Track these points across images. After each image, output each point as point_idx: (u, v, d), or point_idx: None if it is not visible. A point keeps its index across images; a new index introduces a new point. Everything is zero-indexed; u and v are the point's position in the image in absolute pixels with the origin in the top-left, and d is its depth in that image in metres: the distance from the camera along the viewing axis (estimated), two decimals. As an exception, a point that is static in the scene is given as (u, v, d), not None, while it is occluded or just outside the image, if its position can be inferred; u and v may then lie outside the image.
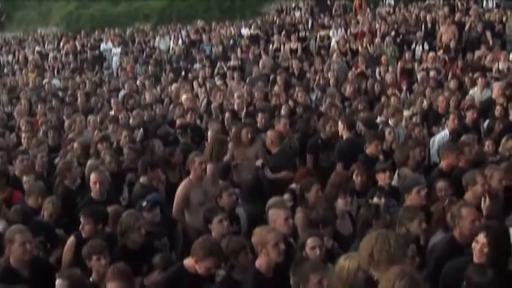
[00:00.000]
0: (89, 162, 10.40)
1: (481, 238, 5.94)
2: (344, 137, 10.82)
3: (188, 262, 6.41)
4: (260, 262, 6.26)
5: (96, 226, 7.42)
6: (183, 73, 21.89)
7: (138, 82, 19.76)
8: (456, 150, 9.36)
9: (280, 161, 10.44)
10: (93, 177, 8.77)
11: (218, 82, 18.77)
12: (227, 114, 13.31)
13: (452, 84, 15.90)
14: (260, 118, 12.37)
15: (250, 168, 10.33)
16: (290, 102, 14.64)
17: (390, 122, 12.28)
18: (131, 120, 13.80)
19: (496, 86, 14.55)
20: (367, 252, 5.54)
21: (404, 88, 16.96)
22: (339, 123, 11.01)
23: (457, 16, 22.98)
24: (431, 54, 19.32)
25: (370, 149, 10.04)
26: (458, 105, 13.51)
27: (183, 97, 15.17)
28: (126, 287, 5.78)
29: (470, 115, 12.33)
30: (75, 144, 11.32)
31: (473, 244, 5.97)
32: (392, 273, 4.78)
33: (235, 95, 15.01)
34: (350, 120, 11.30)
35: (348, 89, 15.91)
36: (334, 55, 20.69)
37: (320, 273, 5.60)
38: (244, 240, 6.75)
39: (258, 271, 6.24)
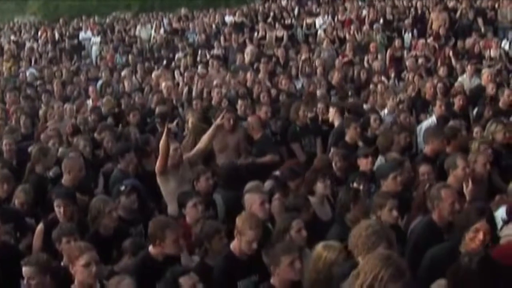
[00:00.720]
0: (60, 149, 10.44)
1: (483, 225, 5.90)
2: (336, 123, 10.90)
3: (152, 248, 6.48)
4: (235, 245, 6.33)
5: (67, 208, 7.45)
6: (164, 62, 21.90)
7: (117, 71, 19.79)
8: (441, 135, 9.47)
9: (263, 147, 10.60)
10: (64, 163, 8.82)
11: (200, 70, 18.80)
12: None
13: (442, 71, 16.05)
14: (240, 106, 12.43)
15: (231, 156, 10.40)
16: (274, 90, 14.73)
17: (377, 109, 12.42)
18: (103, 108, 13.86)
19: (486, 73, 14.72)
20: (356, 238, 5.60)
21: (392, 75, 17.11)
22: (330, 108, 11.09)
23: (448, 2, 23.10)
24: (420, 41, 19.43)
25: (349, 134, 10.14)
26: (446, 92, 13.63)
27: (163, 85, 15.20)
28: (96, 257, 5.80)
29: (457, 101, 12.47)
30: (51, 132, 11.34)
31: (471, 234, 5.90)
32: (377, 259, 4.79)
33: (214, 83, 15.02)
34: (341, 106, 11.39)
35: (335, 77, 16.00)
36: (324, 43, 20.79)
37: (292, 255, 5.64)
38: (219, 225, 6.82)
39: (232, 253, 6.31)
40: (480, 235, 5.82)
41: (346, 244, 5.82)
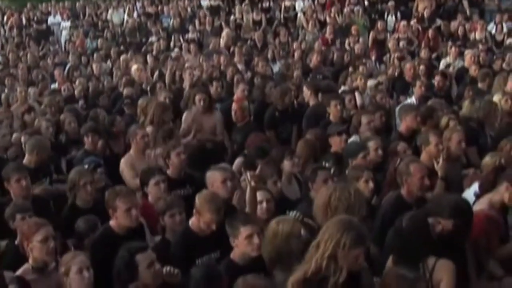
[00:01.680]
0: (14, 135, 10.54)
1: None
2: (311, 103, 10.98)
3: (111, 221, 6.53)
4: (194, 221, 6.39)
5: (21, 181, 7.50)
6: (137, 48, 21.91)
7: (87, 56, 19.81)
8: (413, 111, 9.59)
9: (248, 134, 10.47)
10: (29, 143, 8.94)
11: (175, 54, 18.87)
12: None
13: (423, 53, 16.20)
14: (214, 87, 12.48)
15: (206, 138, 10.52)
16: (249, 73, 14.83)
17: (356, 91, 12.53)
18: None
19: (469, 54, 14.86)
20: (323, 200, 5.78)
21: (373, 58, 17.24)
22: (305, 89, 11.16)
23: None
24: (402, 22, 19.55)
25: (332, 112, 10.23)
26: (429, 74, 13.74)
27: (133, 68, 15.22)
28: (52, 233, 5.83)
29: (437, 82, 12.64)
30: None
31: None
32: (339, 223, 4.95)
33: (186, 65, 15.05)
34: (316, 86, 11.46)
35: (314, 60, 16.07)
36: (309, 26, 20.92)
37: (251, 228, 5.70)
38: (175, 200, 6.86)
39: (190, 228, 6.38)
40: None
41: (300, 216, 5.94)
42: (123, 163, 8.96)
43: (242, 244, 5.68)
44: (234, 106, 10.86)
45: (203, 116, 10.74)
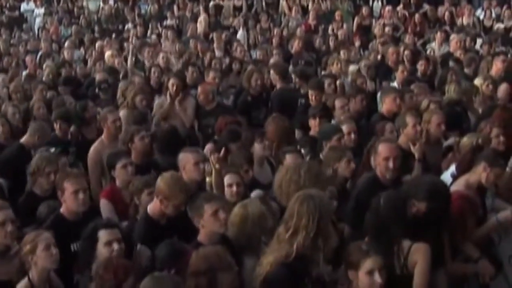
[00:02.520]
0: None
1: None
2: (278, 86, 10.99)
3: (62, 208, 6.53)
4: (153, 207, 6.37)
5: None
6: (113, 35, 21.84)
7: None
8: (394, 93, 9.68)
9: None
10: None
11: (152, 40, 18.87)
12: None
13: (408, 38, 16.30)
14: (190, 73, 12.49)
15: (176, 123, 10.46)
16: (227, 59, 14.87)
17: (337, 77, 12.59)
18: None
19: (454, 39, 15.00)
20: (277, 183, 5.92)
21: (357, 44, 17.31)
22: (271, 72, 11.18)
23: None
24: (387, 7, 19.65)
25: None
26: (413, 59, 13.81)
27: (107, 54, 15.21)
28: (12, 216, 5.80)
29: (420, 66, 12.75)
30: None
31: None
32: (308, 201, 5.05)
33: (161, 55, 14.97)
34: (283, 69, 11.45)
35: (295, 46, 16.12)
36: (293, 12, 20.98)
37: (215, 204, 5.71)
38: (150, 179, 6.87)
39: (150, 217, 6.38)
40: None
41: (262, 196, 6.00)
42: (90, 155, 8.96)
43: (208, 222, 5.68)
44: (199, 89, 10.92)
45: (175, 101, 10.74)
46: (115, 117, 9.14)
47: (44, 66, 14.54)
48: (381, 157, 6.89)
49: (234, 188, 6.76)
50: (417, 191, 5.89)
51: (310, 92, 10.32)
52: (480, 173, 6.64)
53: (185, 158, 7.23)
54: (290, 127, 8.98)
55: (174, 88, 10.76)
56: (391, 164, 6.85)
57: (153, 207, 6.37)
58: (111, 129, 9.03)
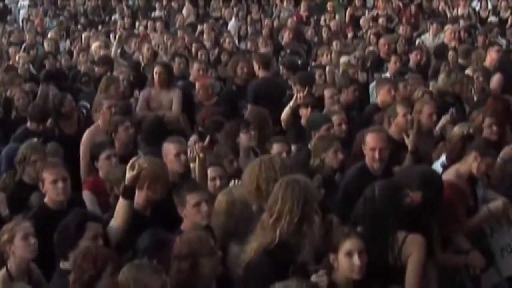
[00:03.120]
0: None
1: None
2: (260, 76, 11.06)
3: (46, 197, 6.55)
4: (137, 199, 6.32)
5: None
6: (100, 27, 21.85)
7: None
8: (389, 84, 9.69)
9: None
10: None
11: (139, 31, 18.91)
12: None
13: (402, 29, 16.34)
14: (177, 64, 12.50)
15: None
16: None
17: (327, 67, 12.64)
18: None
19: (449, 30, 15.00)
20: (252, 185, 5.79)
21: (350, 35, 17.35)
22: (254, 62, 11.22)
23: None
24: (382, -2, 19.75)
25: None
26: (406, 50, 13.87)
27: (94, 45, 15.22)
28: None
29: (414, 57, 12.82)
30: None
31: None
32: (292, 185, 5.08)
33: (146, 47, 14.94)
34: (265, 58, 11.47)
35: (286, 37, 16.16)
36: (284, 2, 21.02)
37: (198, 195, 5.74)
38: None
39: (134, 209, 6.27)
40: None
41: None
42: (84, 140, 8.91)
43: (189, 213, 5.71)
44: (197, 84, 10.83)
45: (161, 92, 10.72)
46: (110, 103, 9.13)
47: (17, 57, 14.42)
48: (368, 147, 6.96)
49: (217, 182, 6.75)
50: (410, 181, 5.92)
51: (295, 87, 10.31)
52: (471, 162, 6.66)
53: (167, 148, 7.22)
54: (267, 117, 9.00)
55: (158, 76, 10.72)
56: (377, 155, 6.90)
57: (136, 198, 6.34)
58: (106, 115, 8.99)
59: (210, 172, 6.78)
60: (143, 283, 4.54)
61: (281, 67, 12.26)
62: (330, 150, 7.21)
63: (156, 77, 10.69)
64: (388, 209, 5.54)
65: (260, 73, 11.02)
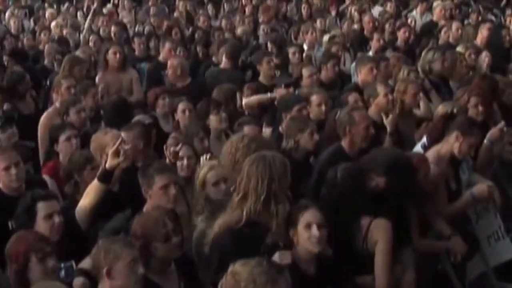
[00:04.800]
0: None
1: None
2: (222, 66, 11.10)
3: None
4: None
5: None
6: (66, 4, 21.73)
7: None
8: (370, 63, 9.74)
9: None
10: None
11: (107, 10, 18.80)
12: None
13: (389, 6, 16.38)
14: (137, 44, 12.55)
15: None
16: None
17: (305, 45, 12.70)
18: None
19: (438, 7, 15.07)
20: (230, 160, 5.94)
21: (333, 13, 17.38)
22: (220, 50, 11.34)
23: None
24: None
25: (263, 70, 10.37)
26: (392, 27, 13.90)
27: (53, 23, 15.25)
28: None
29: (401, 34, 12.87)
30: None
31: None
32: (260, 162, 5.13)
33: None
34: (233, 48, 11.50)
35: (266, 14, 16.20)
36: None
37: (167, 177, 5.79)
38: (91, 154, 6.90)
39: None
40: None
41: None
42: (41, 123, 8.95)
43: (156, 195, 5.76)
44: (168, 64, 10.78)
45: (118, 74, 10.77)
46: (69, 84, 9.15)
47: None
48: (360, 126, 7.00)
49: (185, 162, 6.81)
50: (375, 165, 5.99)
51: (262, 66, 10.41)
52: (452, 143, 6.73)
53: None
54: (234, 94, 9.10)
55: (118, 56, 10.77)
56: (371, 131, 7.01)
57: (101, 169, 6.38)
58: (65, 96, 9.02)
59: (182, 151, 6.83)
60: (113, 254, 4.66)
61: (269, 45, 12.33)
62: (306, 131, 7.18)
63: (115, 57, 10.72)
64: (350, 193, 5.64)
65: (224, 62, 11.07)
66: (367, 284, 5.54)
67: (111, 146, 6.20)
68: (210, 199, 5.98)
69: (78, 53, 11.73)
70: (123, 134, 7.01)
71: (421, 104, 8.69)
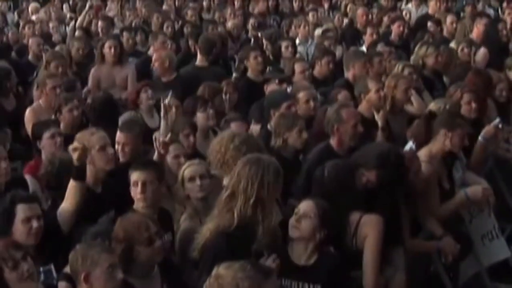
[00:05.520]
0: None
1: None
2: (197, 63, 11.06)
3: None
4: (88, 177, 6.31)
5: None
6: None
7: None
8: (363, 58, 9.78)
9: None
10: None
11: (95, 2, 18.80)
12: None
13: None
14: (125, 39, 12.46)
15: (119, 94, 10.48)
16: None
17: (298, 39, 12.73)
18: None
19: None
20: (218, 159, 6.02)
21: (326, 5, 17.39)
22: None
23: None
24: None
25: (250, 65, 10.36)
26: (386, 21, 13.95)
27: (36, 17, 15.26)
28: None
29: (396, 28, 12.90)
30: None
31: None
32: (252, 164, 5.12)
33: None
34: (207, 42, 11.36)
35: (258, 7, 16.23)
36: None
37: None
38: None
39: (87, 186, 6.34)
40: None
41: None
42: (28, 114, 8.97)
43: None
44: (154, 57, 10.79)
45: (113, 69, 10.72)
46: (55, 84, 9.11)
47: None
48: (348, 123, 7.00)
49: (182, 159, 6.79)
50: (366, 160, 6.03)
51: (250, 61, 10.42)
52: (442, 141, 6.77)
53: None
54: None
55: (113, 50, 10.70)
56: (360, 129, 7.01)
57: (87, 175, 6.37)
58: (50, 96, 8.99)
59: (173, 149, 6.85)
60: (91, 259, 4.66)
61: (265, 41, 12.35)
62: (294, 129, 7.18)
63: (111, 51, 10.66)
64: (338, 190, 5.66)
65: (199, 59, 11.05)
66: None
67: (96, 149, 6.25)
68: (190, 197, 6.05)
69: (58, 48, 11.72)
70: (122, 135, 7.15)
71: (414, 101, 8.67)
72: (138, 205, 5.85)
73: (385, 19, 14.00)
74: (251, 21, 14.83)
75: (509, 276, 7.48)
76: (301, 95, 8.45)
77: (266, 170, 5.07)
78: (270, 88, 9.27)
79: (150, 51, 11.89)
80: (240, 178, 5.08)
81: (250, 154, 5.44)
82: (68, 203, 5.94)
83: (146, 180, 5.83)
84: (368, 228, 5.56)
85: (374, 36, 12.23)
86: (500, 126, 7.67)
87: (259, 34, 13.21)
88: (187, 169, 6.13)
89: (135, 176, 5.86)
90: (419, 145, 6.91)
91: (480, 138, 7.54)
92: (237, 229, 5.07)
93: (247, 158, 5.26)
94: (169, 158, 6.85)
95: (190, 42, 12.73)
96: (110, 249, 4.84)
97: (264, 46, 12.17)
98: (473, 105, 8.10)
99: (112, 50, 10.71)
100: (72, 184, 5.95)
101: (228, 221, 5.09)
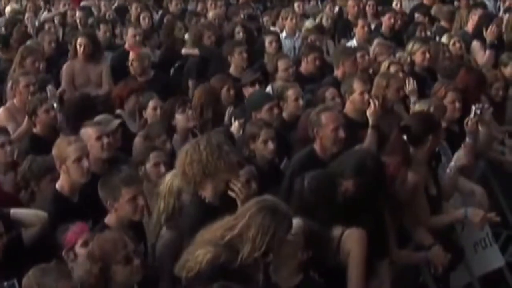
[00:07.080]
0: None
1: None
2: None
3: None
4: (62, 183, 6.40)
5: None
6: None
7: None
8: (353, 55, 9.77)
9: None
10: None
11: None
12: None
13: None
14: (102, 31, 12.47)
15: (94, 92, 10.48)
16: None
17: (284, 32, 12.73)
18: None
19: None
20: (180, 169, 5.87)
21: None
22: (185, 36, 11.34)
23: None
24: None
25: (234, 62, 10.41)
26: (377, 12, 13.95)
27: (8, 9, 15.31)
28: None
29: (386, 21, 12.86)
30: None
31: None
32: (267, 212, 4.96)
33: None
34: (196, 32, 11.52)
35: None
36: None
37: (134, 188, 5.85)
38: (51, 161, 6.90)
39: (59, 193, 6.40)
40: None
41: None
42: (2, 113, 9.01)
43: (122, 208, 5.82)
44: (131, 54, 10.71)
45: (87, 65, 10.73)
46: (28, 81, 9.11)
47: None
48: (328, 128, 6.97)
49: (162, 168, 6.82)
50: (343, 168, 5.98)
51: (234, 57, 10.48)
52: (428, 146, 6.75)
53: (86, 134, 7.17)
54: (217, 95, 9.01)
55: (82, 49, 10.71)
56: (342, 133, 6.97)
57: (61, 182, 6.41)
58: (24, 94, 9.00)
59: (153, 157, 6.88)
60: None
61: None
62: (258, 140, 7.10)
63: (80, 50, 10.67)
64: (319, 203, 5.62)
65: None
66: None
67: (71, 159, 6.26)
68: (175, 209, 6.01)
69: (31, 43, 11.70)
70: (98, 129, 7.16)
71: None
72: (136, 218, 5.88)
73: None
74: (241, 12, 14.77)
75: (503, 287, 7.48)
76: (290, 92, 8.45)
77: (281, 222, 4.95)
78: (246, 91, 9.30)
79: (127, 45, 11.83)
80: (251, 224, 4.92)
81: (262, 198, 5.26)
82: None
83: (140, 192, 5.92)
84: (351, 243, 5.53)
85: (366, 29, 12.20)
86: (478, 112, 7.72)
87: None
88: (176, 180, 6.05)
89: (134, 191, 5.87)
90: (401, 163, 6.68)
91: (467, 138, 7.57)
92: (236, 269, 4.93)
93: (263, 203, 5.06)
94: (148, 166, 6.88)
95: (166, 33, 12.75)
96: (67, 274, 4.75)
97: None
98: (457, 104, 8.13)
99: (82, 48, 10.71)
100: None
101: (228, 258, 4.93)
